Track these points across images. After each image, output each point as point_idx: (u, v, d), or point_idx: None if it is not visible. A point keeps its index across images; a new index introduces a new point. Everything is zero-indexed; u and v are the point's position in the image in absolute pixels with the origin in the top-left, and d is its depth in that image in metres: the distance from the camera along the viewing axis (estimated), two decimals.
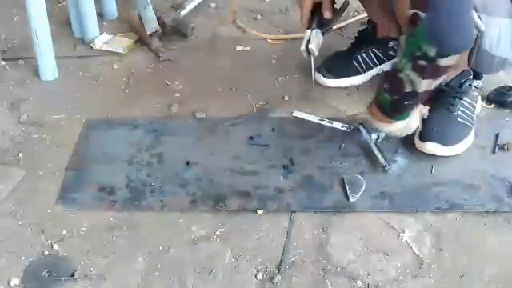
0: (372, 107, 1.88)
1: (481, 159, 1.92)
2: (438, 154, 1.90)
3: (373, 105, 1.87)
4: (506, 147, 1.94)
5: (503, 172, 1.87)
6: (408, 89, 1.72)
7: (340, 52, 2.27)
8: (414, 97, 1.75)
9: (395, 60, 1.79)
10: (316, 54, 1.96)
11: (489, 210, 1.78)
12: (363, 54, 2.19)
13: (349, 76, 2.21)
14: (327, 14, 1.96)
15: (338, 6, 2.01)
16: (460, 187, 1.83)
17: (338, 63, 2.23)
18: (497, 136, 1.98)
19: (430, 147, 1.90)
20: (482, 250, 1.69)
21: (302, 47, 1.96)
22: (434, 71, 1.67)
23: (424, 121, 1.93)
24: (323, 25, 1.99)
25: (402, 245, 1.71)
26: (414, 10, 1.60)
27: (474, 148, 1.95)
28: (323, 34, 1.98)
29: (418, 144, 1.93)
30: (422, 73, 1.67)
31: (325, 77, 2.21)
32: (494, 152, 1.94)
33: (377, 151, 1.91)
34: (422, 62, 1.65)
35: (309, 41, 1.96)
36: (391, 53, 2.18)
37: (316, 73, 2.19)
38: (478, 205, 1.79)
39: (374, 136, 1.92)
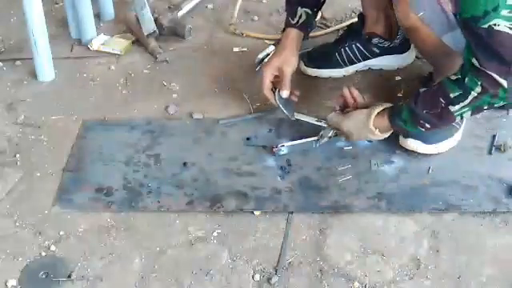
0: (384, 120, 1.82)
1: (477, 160, 1.92)
2: (418, 151, 1.91)
3: (387, 119, 1.81)
4: (502, 148, 1.94)
5: (500, 172, 1.87)
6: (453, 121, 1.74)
7: (325, 44, 2.31)
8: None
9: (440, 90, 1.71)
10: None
11: (486, 211, 1.78)
12: (346, 48, 2.21)
13: (328, 68, 2.24)
14: (284, 94, 1.99)
15: None
16: (457, 188, 1.84)
17: (320, 54, 2.26)
18: (493, 137, 1.98)
19: (411, 144, 1.91)
20: (479, 250, 1.70)
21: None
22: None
23: None
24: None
25: (399, 246, 1.72)
26: (496, 76, 1.58)
27: (471, 149, 1.95)
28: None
29: (401, 140, 1.93)
30: (479, 112, 1.70)
31: (305, 65, 2.26)
32: (490, 153, 1.94)
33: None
34: (485, 108, 1.67)
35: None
36: (375, 49, 2.20)
37: (300, 61, 2.25)
38: (475, 205, 1.79)
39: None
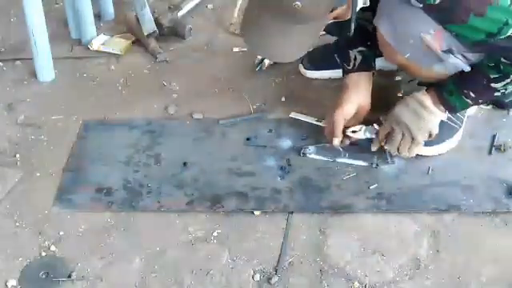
0: (433, 95, 1.82)
1: (477, 160, 1.92)
2: (419, 153, 1.90)
3: (435, 93, 1.82)
4: (502, 148, 1.94)
5: (500, 173, 1.87)
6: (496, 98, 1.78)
7: (326, 45, 2.28)
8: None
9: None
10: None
11: (486, 211, 1.78)
12: None
13: (329, 69, 2.22)
14: (335, 141, 1.92)
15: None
16: (457, 188, 1.84)
17: (321, 55, 2.24)
18: (494, 137, 1.98)
19: None
20: (479, 250, 1.70)
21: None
22: None
23: None
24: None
25: (399, 246, 1.72)
26: None
27: (471, 149, 1.95)
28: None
29: None
30: None
31: (305, 68, 2.25)
32: (490, 153, 1.94)
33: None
34: None
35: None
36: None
37: (299, 63, 2.25)
38: (475, 205, 1.79)
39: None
